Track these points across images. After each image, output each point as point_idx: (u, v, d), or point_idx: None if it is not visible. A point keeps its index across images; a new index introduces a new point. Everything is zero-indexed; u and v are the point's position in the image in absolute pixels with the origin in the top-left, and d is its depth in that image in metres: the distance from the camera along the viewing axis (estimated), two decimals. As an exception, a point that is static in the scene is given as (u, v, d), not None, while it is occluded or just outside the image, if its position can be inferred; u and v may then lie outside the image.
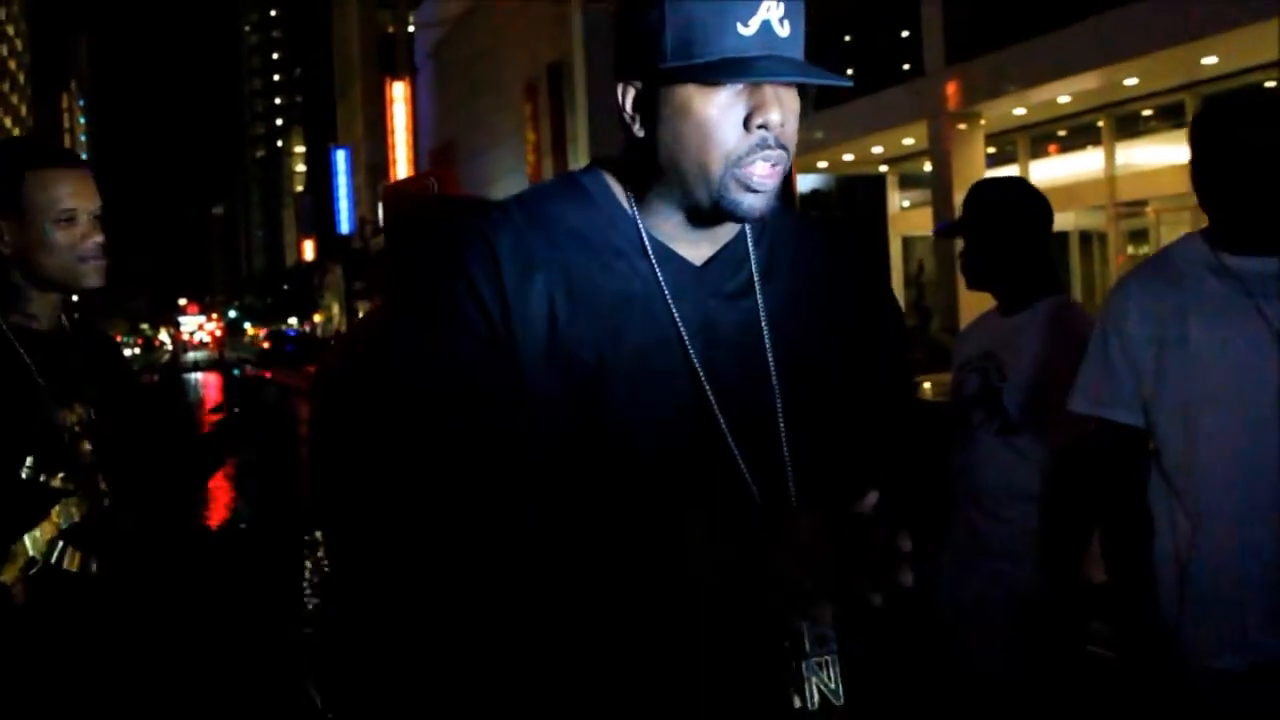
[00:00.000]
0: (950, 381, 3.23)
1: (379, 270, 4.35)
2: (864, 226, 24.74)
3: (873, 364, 1.59)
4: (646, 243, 1.48)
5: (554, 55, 34.37)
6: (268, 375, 32.86)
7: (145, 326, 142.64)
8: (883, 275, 1.69)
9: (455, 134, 47.33)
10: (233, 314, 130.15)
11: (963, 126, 20.27)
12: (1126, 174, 18.70)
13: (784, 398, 1.49)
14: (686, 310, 1.46)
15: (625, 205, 1.50)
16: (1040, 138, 20.93)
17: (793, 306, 1.52)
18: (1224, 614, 2.28)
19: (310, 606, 7.20)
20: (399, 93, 54.72)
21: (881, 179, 25.67)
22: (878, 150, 23.91)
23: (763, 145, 1.39)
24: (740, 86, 1.38)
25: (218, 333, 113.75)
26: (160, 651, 2.28)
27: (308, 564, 8.30)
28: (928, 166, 21.68)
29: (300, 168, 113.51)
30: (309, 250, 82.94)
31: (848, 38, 23.58)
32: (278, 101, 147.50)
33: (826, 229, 1.65)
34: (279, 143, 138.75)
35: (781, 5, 1.37)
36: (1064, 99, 18.70)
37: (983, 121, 20.26)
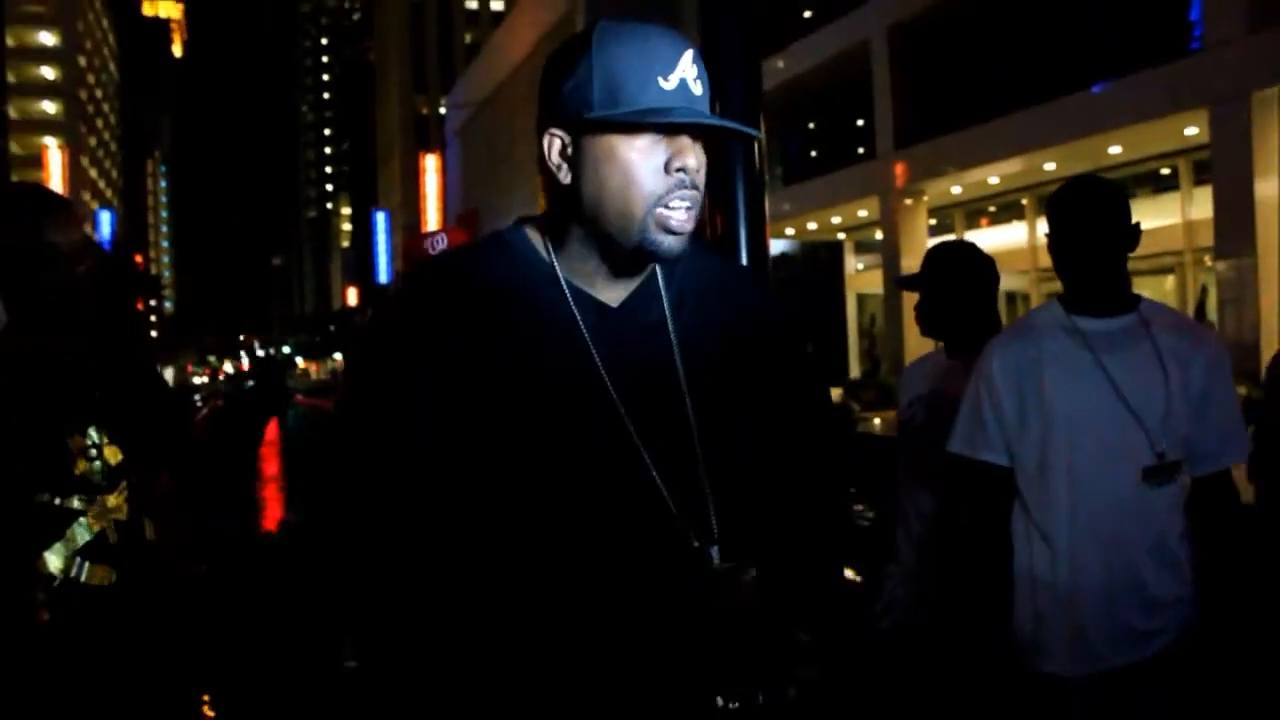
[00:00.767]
0: (897, 416, 3.22)
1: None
2: (822, 282, 24.74)
3: (775, 388, 1.48)
4: (565, 288, 1.38)
5: (564, 135, 34.41)
6: (326, 404, 32.33)
7: (211, 358, 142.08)
8: (777, 309, 1.55)
9: (479, 199, 47.42)
10: (286, 349, 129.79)
11: (909, 201, 20.36)
12: (1046, 244, 18.74)
13: (699, 425, 1.38)
14: (604, 349, 1.36)
15: (545, 255, 1.40)
16: (974, 212, 21.01)
17: (702, 338, 1.42)
18: (1069, 625, 2.26)
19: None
20: (431, 164, 54.87)
21: (840, 245, 25.72)
22: (836, 220, 23.97)
23: (680, 186, 1.31)
24: (660, 135, 1.31)
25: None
26: (190, 656, 2.12)
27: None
28: (879, 235, 21.73)
29: (346, 226, 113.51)
30: (352, 296, 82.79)
31: (811, 125, 23.74)
32: (328, 170, 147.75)
33: (723, 266, 1.55)
34: (329, 205, 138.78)
35: (695, 67, 1.32)
36: (994, 180, 18.82)
37: (925, 197, 20.36)
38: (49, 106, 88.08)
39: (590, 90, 1.30)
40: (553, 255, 1.40)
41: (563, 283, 1.39)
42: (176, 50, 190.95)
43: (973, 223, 21.15)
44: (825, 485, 1.54)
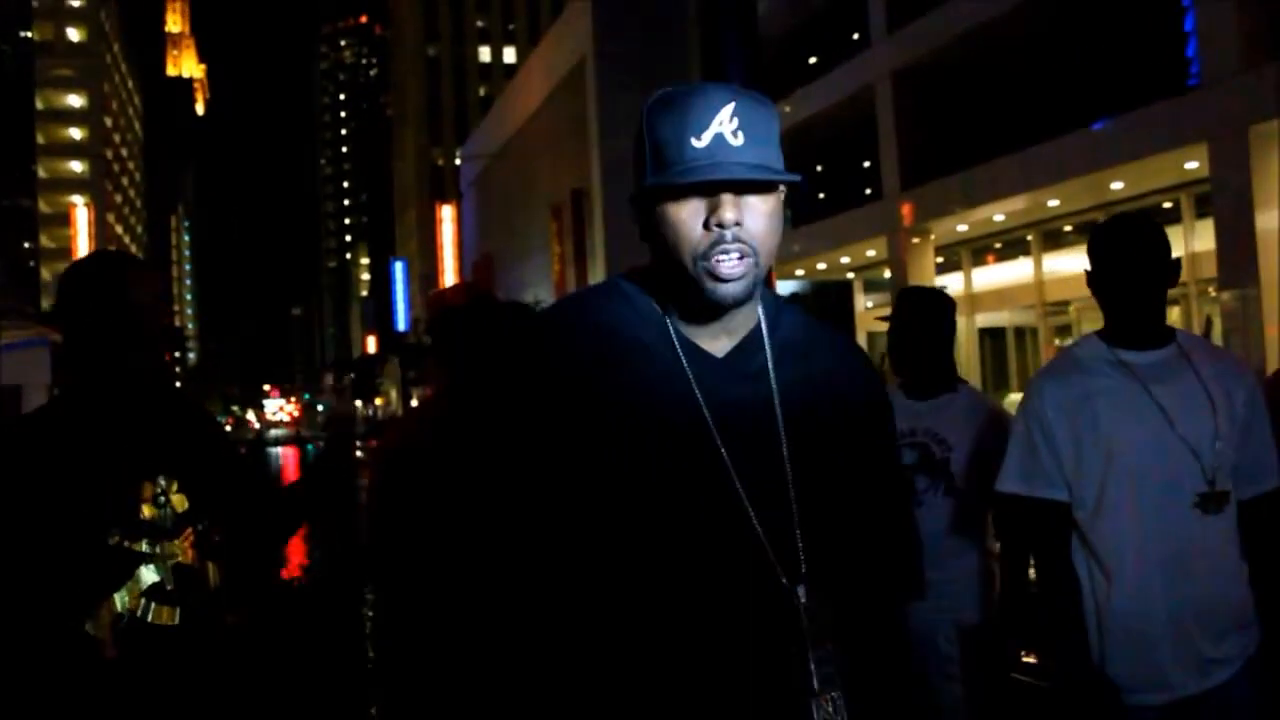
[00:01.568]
0: None
1: (430, 362, 4.33)
2: (834, 323, 25.19)
3: (868, 446, 1.53)
4: (674, 338, 1.45)
5: (576, 183, 34.74)
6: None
7: (235, 408, 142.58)
8: (874, 376, 1.60)
9: (493, 248, 47.70)
10: (308, 397, 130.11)
11: (916, 240, 20.40)
12: (1052, 279, 18.76)
13: (794, 470, 1.44)
14: (709, 395, 1.42)
15: (656, 306, 1.47)
16: (980, 249, 21.03)
17: (801, 390, 1.47)
18: (1139, 656, 2.26)
19: (370, 653, 7.03)
20: (447, 214, 55.28)
21: (849, 284, 25.77)
22: (845, 260, 24.03)
23: (720, 241, 1.36)
24: (702, 194, 1.36)
25: (295, 413, 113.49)
26: (240, 698, 2.15)
27: (369, 614, 8.15)
28: (887, 273, 21.77)
29: (365, 276, 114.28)
30: (372, 344, 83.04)
31: (820, 168, 23.85)
32: (347, 221, 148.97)
33: (825, 328, 1.60)
34: (348, 255, 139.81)
35: (736, 119, 1.35)
36: (999, 217, 18.85)
37: (932, 236, 20.40)
38: (76, 165, 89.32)
39: (644, 161, 1.39)
40: (662, 308, 1.47)
41: (671, 331, 1.46)
42: (199, 108, 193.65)
43: (979, 260, 21.17)
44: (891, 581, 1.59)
